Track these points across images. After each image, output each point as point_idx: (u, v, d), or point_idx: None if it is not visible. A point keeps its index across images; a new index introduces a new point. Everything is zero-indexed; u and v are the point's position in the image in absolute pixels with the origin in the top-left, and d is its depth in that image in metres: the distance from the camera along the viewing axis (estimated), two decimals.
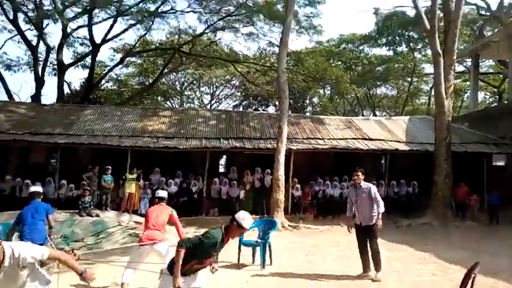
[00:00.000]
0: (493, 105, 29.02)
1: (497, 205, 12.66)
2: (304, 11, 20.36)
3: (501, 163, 14.37)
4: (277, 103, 20.48)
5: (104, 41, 21.54)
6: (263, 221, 8.40)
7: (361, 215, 6.42)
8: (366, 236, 6.40)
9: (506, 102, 20.22)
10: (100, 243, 9.14)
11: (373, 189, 6.51)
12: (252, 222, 3.86)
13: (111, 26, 21.09)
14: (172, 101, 34.16)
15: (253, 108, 32.36)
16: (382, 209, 6.39)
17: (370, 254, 6.38)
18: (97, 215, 10.62)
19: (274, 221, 8.86)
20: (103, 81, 26.41)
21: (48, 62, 22.31)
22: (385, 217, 13.09)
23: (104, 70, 25.77)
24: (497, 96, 28.74)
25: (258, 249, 7.34)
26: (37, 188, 6.32)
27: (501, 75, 26.59)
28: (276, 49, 16.83)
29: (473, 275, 3.04)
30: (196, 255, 3.68)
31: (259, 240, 7.41)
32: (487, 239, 9.90)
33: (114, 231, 9.90)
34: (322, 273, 6.75)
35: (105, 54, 41.38)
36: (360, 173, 6.55)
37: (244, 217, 3.77)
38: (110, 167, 12.33)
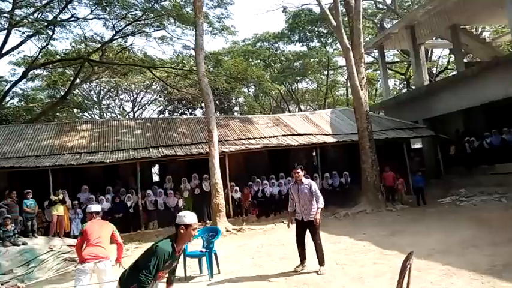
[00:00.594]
0: (403, 91, 31.60)
1: (422, 186, 13.55)
2: (215, 12, 20.45)
3: (419, 145, 15.58)
4: (203, 105, 20.37)
5: (0, 55, 19.47)
6: (206, 229, 8.20)
7: (303, 210, 6.60)
8: (306, 230, 6.62)
9: (413, 87, 22.10)
10: (32, 273, 8.51)
11: (314, 185, 6.73)
12: (194, 219, 3.63)
13: (6, 39, 19.09)
14: (90, 112, 32.14)
15: (180, 112, 31.74)
16: (321, 204, 6.61)
17: (311, 247, 6.59)
18: (24, 243, 9.69)
19: (217, 228, 8.71)
20: (7, 98, 23.91)
21: None
22: (323, 209, 13.66)
23: (6, 86, 23.41)
24: (405, 83, 31.38)
25: (204, 259, 7.15)
26: None
27: (405, 63, 29.14)
28: (193, 52, 16.60)
29: (408, 265, 3.18)
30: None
31: (204, 250, 7.23)
32: (418, 221, 10.50)
33: (46, 258, 9.19)
34: (270, 274, 6.79)
35: (4, 69, 37.64)
36: (299, 170, 6.78)
37: (185, 215, 3.59)
38: (31, 191, 11.27)
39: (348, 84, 23.62)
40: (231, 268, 7.49)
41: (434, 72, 28.45)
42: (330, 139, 15.30)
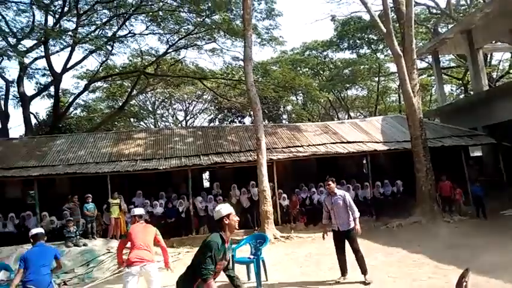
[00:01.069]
0: (460, 97, 30.01)
1: (481, 196, 12.63)
2: (263, 24, 20.83)
3: (478, 153, 14.61)
4: (252, 114, 20.75)
5: (65, 69, 21.11)
6: (254, 236, 8.26)
7: (339, 221, 6.65)
8: (344, 240, 6.66)
9: (471, 93, 20.96)
10: (91, 273, 9.03)
11: (347, 196, 6.80)
12: (230, 208, 3.88)
13: (70, 55, 20.78)
14: (146, 121, 33.78)
15: (229, 120, 32.45)
16: (357, 214, 6.70)
17: (350, 257, 6.60)
18: (85, 244, 10.36)
19: (265, 235, 8.75)
20: (71, 109, 25.88)
21: (11, 95, 21.71)
22: (374, 219, 13.14)
23: (70, 98, 25.43)
24: (462, 88, 29.81)
25: (252, 266, 7.19)
26: (39, 230, 5.69)
27: (462, 68, 27.69)
28: (242, 62, 17.01)
29: (464, 283, 3.04)
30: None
31: (252, 257, 7.28)
32: (477, 234, 9.83)
33: (104, 259, 9.70)
34: (318, 284, 6.73)
35: (69, 82, 40.93)
36: (331, 182, 6.86)
37: (221, 208, 3.84)
38: (91, 195, 12.05)
39: (400, 91, 22.93)
40: (279, 276, 7.50)
41: (494, 76, 26.81)
42: (381, 147, 14.83)
